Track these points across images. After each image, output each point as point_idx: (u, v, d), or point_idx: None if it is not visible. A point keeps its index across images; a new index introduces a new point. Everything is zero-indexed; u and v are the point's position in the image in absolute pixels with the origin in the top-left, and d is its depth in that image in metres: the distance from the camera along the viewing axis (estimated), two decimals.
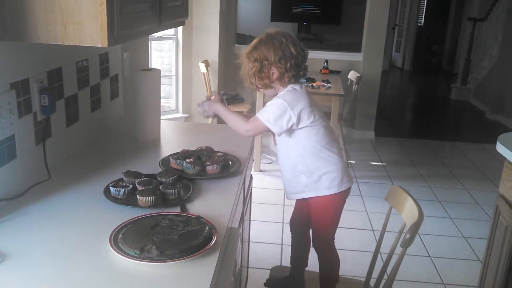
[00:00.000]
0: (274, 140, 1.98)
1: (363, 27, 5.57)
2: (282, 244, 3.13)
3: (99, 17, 1.15)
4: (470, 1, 9.85)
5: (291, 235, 2.25)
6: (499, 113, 6.96)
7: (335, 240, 2.08)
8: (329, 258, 2.08)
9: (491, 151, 5.20)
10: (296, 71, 1.85)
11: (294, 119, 1.82)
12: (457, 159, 5.25)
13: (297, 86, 1.87)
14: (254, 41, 1.87)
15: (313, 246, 2.09)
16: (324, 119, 1.92)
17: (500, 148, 2.10)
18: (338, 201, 1.98)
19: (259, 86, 1.89)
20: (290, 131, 1.87)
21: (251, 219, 2.43)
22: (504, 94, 6.89)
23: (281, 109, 1.81)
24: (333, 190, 1.93)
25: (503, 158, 2.10)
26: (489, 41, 8.05)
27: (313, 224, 2.05)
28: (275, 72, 1.83)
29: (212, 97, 1.97)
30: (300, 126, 1.84)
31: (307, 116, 1.84)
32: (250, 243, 2.52)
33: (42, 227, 1.26)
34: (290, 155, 1.93)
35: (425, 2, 12.41)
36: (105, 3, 1.14)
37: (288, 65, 1.82)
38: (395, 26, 11.45)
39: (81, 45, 1.19)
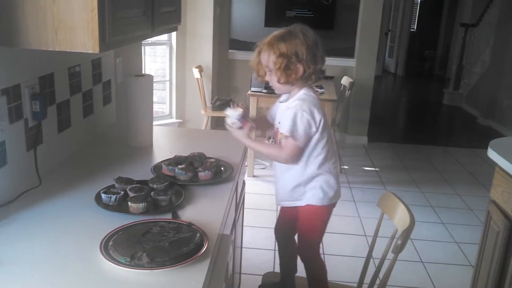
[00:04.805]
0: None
1: (356, 32, 5.60)
2: (275, 249, 3.12)
3: (91, 23, 1.15)
4: (462, 7, 9.93)
5: (276, 242, 2.22)
6: (491, 118, 7.00)
7: (323, 247, 2.05)
8: (315, 265, 2.05)
9: (483, 156, 5.21)
10: (320, 75, 1.76)
11: (314, 129, 1.76)
12: (449, 164, 5.27)
13: (311, 93, 1.78)
14: (281, 32, 1.71)
15: (298, 253, 2.05)
16: (329, 125, 1.85)
17: (492, 154, 2.11)
18: (329, 211, 1.97)
19: (282, 81, 1.73)
20: None
21: (244, 224, 2.43)
22: (495, 99, 6.94)
23: (305, 122, 1.74)
24: (325, 202, 1.90)
25: (494, 163, 2.11)
26: (481, 46, 8.11)
27: (300, 231, 2.02)
28: (300, 70, 1.71)
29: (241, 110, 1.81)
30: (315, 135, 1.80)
31: (323, 126, 1.79)
32: (243, 249, 2.51)
33: (32, 234, 1.25)
34: (295, 166, 1.87)
35: (418, 7, 12.48)
36: (96, 9, 1.14)
37: (318, 67, 1.72)
38: (388, 32, 11.52)
39: (73, 51, 1.19)
